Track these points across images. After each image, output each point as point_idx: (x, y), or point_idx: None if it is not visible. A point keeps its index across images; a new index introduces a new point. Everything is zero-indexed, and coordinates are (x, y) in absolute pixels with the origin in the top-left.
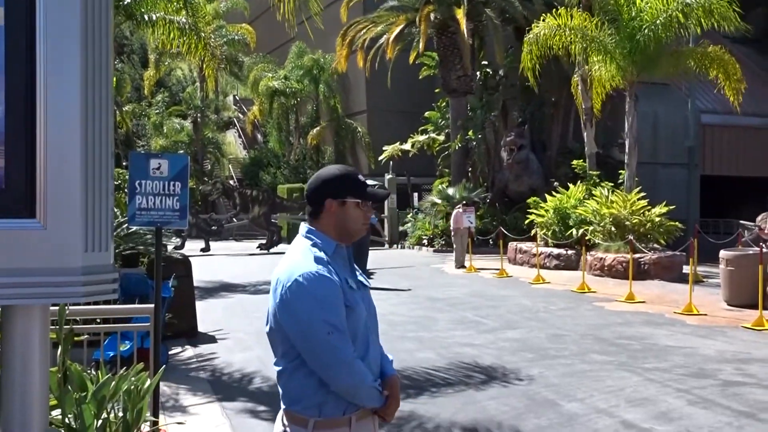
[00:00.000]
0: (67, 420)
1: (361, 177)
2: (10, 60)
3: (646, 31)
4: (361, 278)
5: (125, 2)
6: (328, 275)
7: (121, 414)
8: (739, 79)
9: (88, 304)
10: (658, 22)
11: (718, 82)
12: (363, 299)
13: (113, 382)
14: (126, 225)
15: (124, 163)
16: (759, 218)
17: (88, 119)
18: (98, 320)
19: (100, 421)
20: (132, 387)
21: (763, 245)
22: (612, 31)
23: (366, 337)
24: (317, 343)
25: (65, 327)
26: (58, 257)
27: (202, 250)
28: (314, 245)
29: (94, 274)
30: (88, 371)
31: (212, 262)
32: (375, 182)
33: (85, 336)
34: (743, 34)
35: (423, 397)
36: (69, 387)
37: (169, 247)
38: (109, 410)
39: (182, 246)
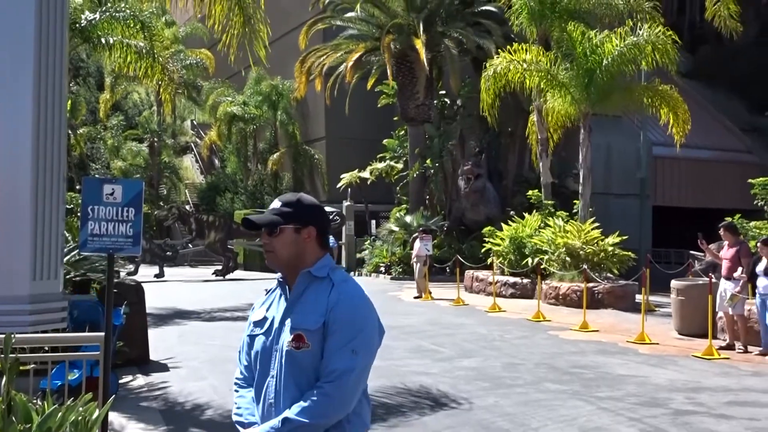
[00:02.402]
0: None
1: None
2: None
3: (601, 67)
4: (296, 316)
5: (81, 25)
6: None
7: None
8: (686, 120)
9: (36, 331)
10: (611, 58)
11: (668, 120)
12: (268, 336)
13: (60, 413)
14: (78, 251)
15: (77, 187)
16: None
17: (40, 148)
18: (46, 348)
19: None
20: (80, 418)
21: (712, 275)
22: (567, 66)
23: (262, 374)
24: None
25: (11, 356)
26: (6, 285)
27: (157, 276)
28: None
29: (42, 303)
30: (34, 401)
31: (166, 288)
32: (333, 209)
33: (32, 365)
34: (691, 70)
35: (378, 427)
36: (13, 418)
37: (122, 273)
38: None
39: (136, 272)
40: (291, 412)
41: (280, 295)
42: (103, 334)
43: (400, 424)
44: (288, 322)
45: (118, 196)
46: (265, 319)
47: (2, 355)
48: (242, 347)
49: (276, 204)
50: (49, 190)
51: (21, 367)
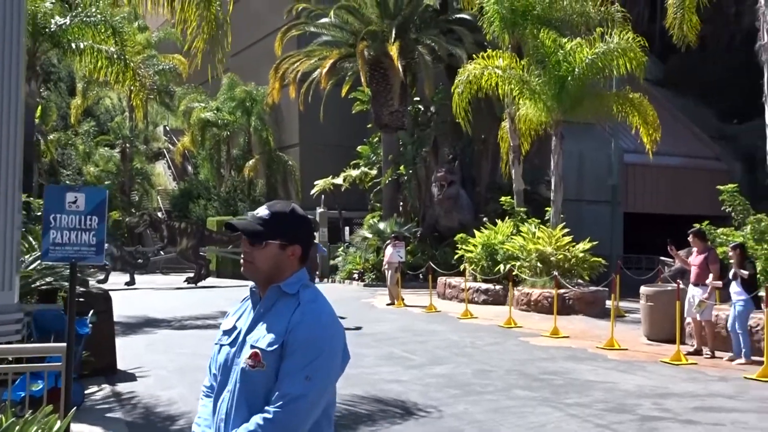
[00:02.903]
0: None
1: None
2: None
3: (572, 74)
4: (257, 332)
5: (51, 30)
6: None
7: None
8: (656, 127)
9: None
10: (583, 66)
11: (637, 127)
12: (232, 348)
13: (17, 426)
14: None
15: None
16: (682, 252)
17: None
18: (10, 359)
19: None
20: (40, 430)
21: (680, 282)
22: (539, 73)
23: (221, 385)
24: None
25: None
26: None
27: (127, 283)
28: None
29: None
30: None
31: (137, 296)
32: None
33: None
34: (662, 78)
35: None
36: None
37: (92, 281)
38: None
39: (106, 280)
40: None
41: (251, 307)
42: (65, 345)
43: None
44: (249, 338)
45: (81, 205)
46: (233, 329)
47: None
48: (213, 355)
49: (263, 212)
50: (2, 198)
51: None
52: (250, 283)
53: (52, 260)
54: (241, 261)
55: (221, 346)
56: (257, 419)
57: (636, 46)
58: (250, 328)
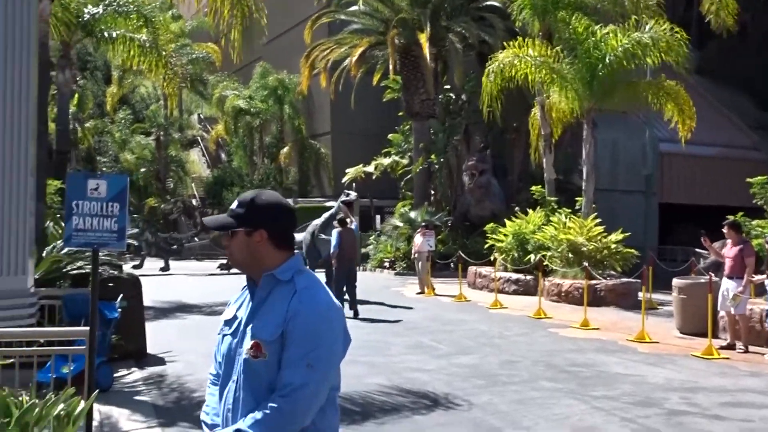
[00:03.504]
0: None
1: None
2: None
3: (604, 62)
4: (258, 323)
5: (84, 19)
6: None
7: None
8: (692, 116)
9: (25, 325)
10: (615, 54)
11: (673, 117)
12: (234, 338)
13: (37, 408)
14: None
15: None
16: (717, 244)
17: (6, 144)
18: (42, 342)
19: None
20: (62, 412)
21: (715, 274)
22: (571, 61)
23: (225, 375)
24: None
25: None
26: None
27: (162, 269)
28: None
29: (8, 299)
30: (19, 395)
31: (171, 281)
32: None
33: (12, 359)
34: (699, 65)
35: (369, 424)
36: None
37: (127, 267)
38: None
39: (141, 265)
40: (244, 424)
41: (250, 296)
42: (88, 328)
43: (391, 422)
44: (249, 328)
45: (102, 192)
46: (234, 318)
47: None
48: (217, 344)
49: (234, 204)
50: (16, 184)
51: (6, 361)
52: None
53: (74, 246)
54: None
55: (224, 336)
56: (264, 408)
57: (675, 37)
58: (250, 318)
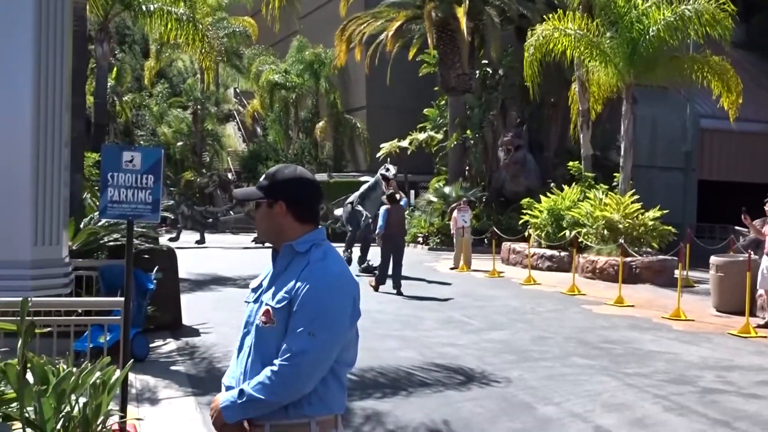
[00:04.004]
0: (26, 413)
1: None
2: None
3: (646, 36)
4: (272, 290)
5: None
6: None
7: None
8: (739, 94)
9: (63, 295)
10: (657, 28)
11: (719, 93)
12: (255, 305)
13: (73, 377)
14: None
15: None
16: (757, 222)
17: (41, 111)
18: (80, 311)
19: (61, 415)
20: (98, 381)
21: (752, 252)
22: (611, 35)
23: (241, 339)
24: None
25: (26, 319)
26: (7, 250)
27: (197, 242)
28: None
29: (44, 268)
30: (56, 363)
31: (206, 254)
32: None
33: (49, 328)
34: (744, 39)
35: (399, 397)
36: (31, 380)
37: (163, 239)
38: (73, 404)
39: (177, 238)
40: (248, 386)
41: (272, 266)
42: (122, 299)
43: (420, 395)
44: (264, 296)
45: (137, 164)
46: (259, 287)
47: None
48: (244, 312)
49: (261, 178)
50: (50, 155)
51: (44, 330)
52: None
53: (109, 217)
54: None
55: (248, 303)
56: (266, 372)
57: (720, 10)
58: (269, 287)
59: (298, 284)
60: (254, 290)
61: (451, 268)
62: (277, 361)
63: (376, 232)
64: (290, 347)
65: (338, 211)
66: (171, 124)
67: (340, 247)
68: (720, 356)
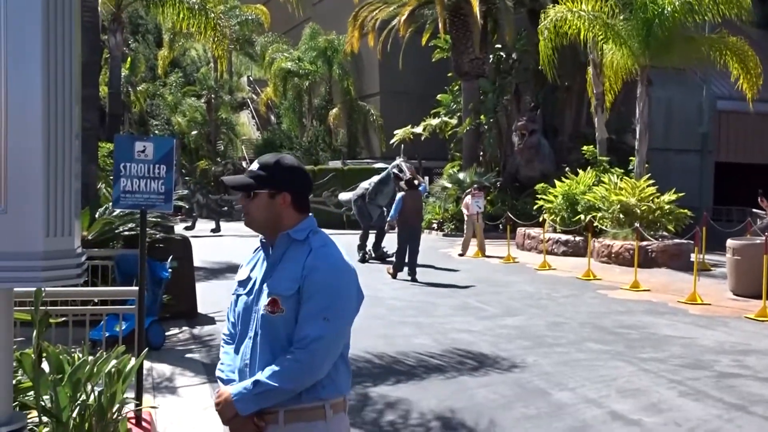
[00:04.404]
0: (42, 402)
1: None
2: None
3: (661, 17)
4: (274, 280)
5: None
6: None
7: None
8: (758, 74)
9: (77, 285)
10: (672, 7)
11: (737, 74)
12: (249, 296)
13: (88, 366)
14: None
15: None
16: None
17: (51, 101)
18: (95, 301)
19: (77, 403)
20: (113, 369)
21: None
22: (626, 16)
23: (241, 334)
24: None
25: (41, 309)
26: (19, 242)
27: (213, 230)
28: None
29: (56, 259)
30: (72, 352)
31: (221, 242)
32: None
33: (64, 318)
34: (762, 19)
35: (413, 384)
36: (47, 369)
37: (178, 228)
38: (88, 392)
39: (193, 227)
40: (262, 375)
41: (264, 257)
42: (137, 288)
43: (435, 381)
44: (266, 285)
45: (149, 154)
46: (248, 279)
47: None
48: (230, 305)
49: (254, 166)
50: (61, 146)
51: (59, 319)
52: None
53: (122, 207)
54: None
55: (238, 296)
56: (283, 360)
57: None
58: (266, 277)
59: (306, 271)
60: (242, 283)
61: (460, 255)
62: (294, 349)
63: (389, 218)
64: (307, 333)
65: (343, 195)
66: (185, 113)
67: (354, 235)
68: (736, 340)
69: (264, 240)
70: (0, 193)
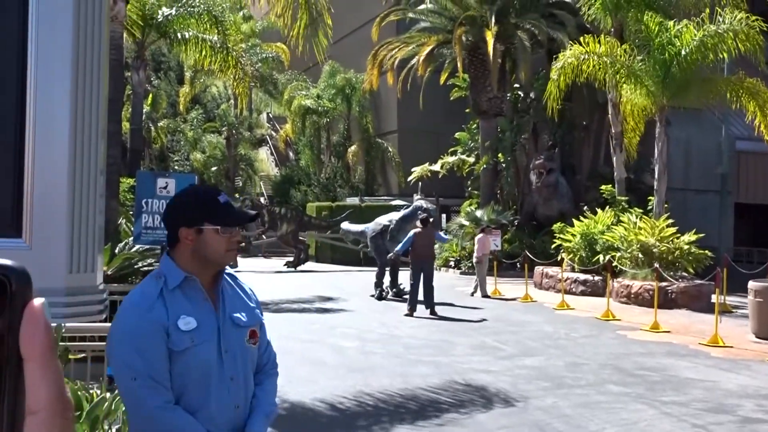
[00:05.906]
0: None
1: (222, 198)
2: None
3: (678, 58)
4: (238, 315)
5: (158, 20)
6: (146, 311)
7: None
8: None
9: (97, 321)
10: (689, 48)
11: (754, 115)
12: (219, 340)
13: (107, 402)
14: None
15: None
16: None
17: (77, 139)
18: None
19: None
20: None
21: None
22: (643, 58)
23: (205, 386)
24: (123, 388)
25: (60, 345)
26: (43, 278)
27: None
28: (157, 275)
29: (78, 295)
30: (90, 389)
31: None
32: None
33: (83, 353)
34: None
35: (431, 424)
36: None
37: None
38: (106, 430)
39: None
40: (269, 405)
41: (200, 297)
42: None
43: (454, 422)
44: (232, 321)
45: (171, 190)
46: (200, 325)
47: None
48: (181, 363)
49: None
50: (86, 182)
51: (78, 355)
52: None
53: (143, 243)
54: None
55: (195, 347)
56: (270, 384)
57: (753, 27)
58: (231, 311)
59: (254, 296)
60: (192, 333)
61: (472, 294)
62: (270, 370)
63: (391, 254)
64: (273, 354)
65: (345, 225)
66: (205, 150)
67: (371, 272)
68: (760, 384)
69: (190, 278)
70: (25, 230)
